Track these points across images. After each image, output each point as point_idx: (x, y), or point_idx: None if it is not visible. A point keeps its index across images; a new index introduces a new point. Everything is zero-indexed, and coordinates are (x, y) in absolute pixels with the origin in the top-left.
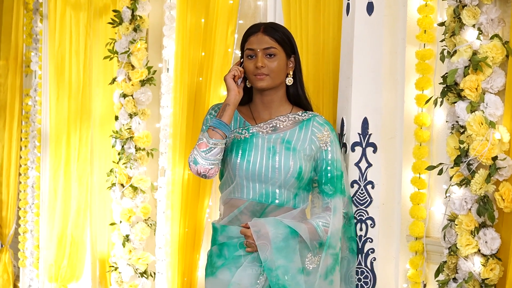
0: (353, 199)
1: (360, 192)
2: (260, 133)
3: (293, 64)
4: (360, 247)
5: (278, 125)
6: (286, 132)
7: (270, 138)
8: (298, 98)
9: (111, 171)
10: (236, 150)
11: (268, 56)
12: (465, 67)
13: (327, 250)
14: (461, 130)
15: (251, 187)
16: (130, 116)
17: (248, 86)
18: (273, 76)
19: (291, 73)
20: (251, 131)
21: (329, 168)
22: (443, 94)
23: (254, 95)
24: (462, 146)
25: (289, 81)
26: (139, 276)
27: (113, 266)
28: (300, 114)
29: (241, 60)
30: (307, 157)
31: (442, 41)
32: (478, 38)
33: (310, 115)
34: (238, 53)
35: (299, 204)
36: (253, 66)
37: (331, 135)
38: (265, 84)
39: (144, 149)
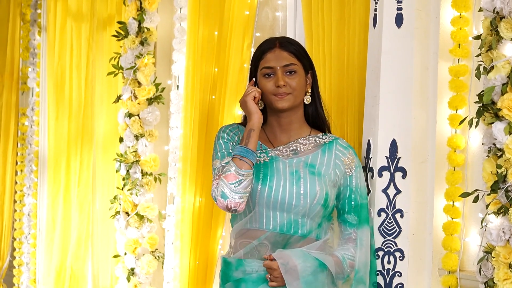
0: (380, 229)
1: (387, 222)
2: (280, 156)
3: (310, 81)
4: (388, 281)
5: (298, 148)
6: (309, 155)
7: (292, 162)
8: (317, 118)
9: (115, 198)
10: (256, 175)
11: (288, 73)
12: (503, 84)
13: (358, 286)
14: (499, 154)
15: (272, 217)
16: (136, 137)
17: (261, 107)
18: (296, 94)
19: (309, 90)
20: (270, 154)
21: (353, 196)
22: (479, 114)
23: (269, 116)
24: (499, 171)
25: (307, 99)
26: None
27: None
28: (321, 136)
29: (254, 79)
30: (332, 183)
31: (478, 56)
32: None
33: (331, 138)
34: None
35: (321, 234)
36: (272, 85)
37: (355, 160)
38: (287, 104)
39: (151, 174)
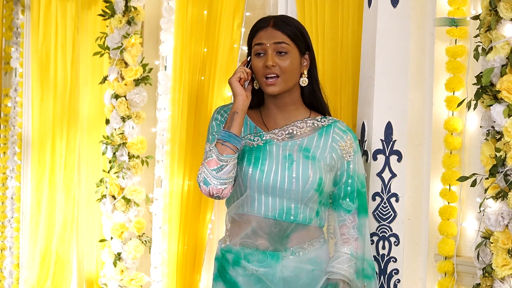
0: (375, 213)
1: (382, 206)
2: (275, 140)
3: (307, 62)
4: (382, 267)
5: (295, 132)
6: (304, 139)
7: (286, 145)
8: (314, 100)
9: (101, 181)
10: (248, 158)
11: (279, 53)
12: (502, 65)
13: (363, 280)
14: (497, 137)
15: (264, 201)
16: (123, 119)
17: (256, 88)
18: (285, 77)
19: (305, 72)
20: (264, 138)
21: (350, 181)
22: (477, 96)
23: (266, 98)
24: (498, 154)
25: (303, 81)
26: None
27: None
28: (319, 119)
29: (248, 59)
30: (327, 167)
31: (476, 36)
32: None
33: (330, 121)
34: (245, 49)
35: (323, 223)
36: (262, 65)
37: (354, 145)
38: (277, 89)
39: (138, 157)
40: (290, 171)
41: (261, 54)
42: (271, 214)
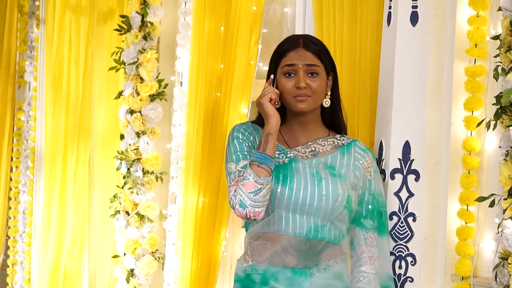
0: (392, 232)
1: (399, 225)
2: (299, 157)
3: (330, 83)
4: (399, 287)
5: (317, 149)
6: (328, 156)
7: (311, 163)
8: (334, 120)
9: (114, 196)
10: (276, 176)
11: (310, 74)
12: None
13: None
14: None
15: (291, 220)
16: (138, 135)
17: (277, 106)
18: (316, 98)
19: (329, 93)
20: (289, 155)
21: (371, 199)
22: (497, 116)
23: (288, 116)
24: None
25: (326, 102)
26: None
27: None
28: (339, 138)
29: (271, 77)
30: (352, 186)
31: (496, 56)
32: None
33: (349, 140)
34: (262, 66)
35: (349, 241)
36: (292, 85)
37: (374, 165)
38: (306, 106)
39: (152, 173)
40: (320, 188)
41: (291, 74)
42: (299, 232)
